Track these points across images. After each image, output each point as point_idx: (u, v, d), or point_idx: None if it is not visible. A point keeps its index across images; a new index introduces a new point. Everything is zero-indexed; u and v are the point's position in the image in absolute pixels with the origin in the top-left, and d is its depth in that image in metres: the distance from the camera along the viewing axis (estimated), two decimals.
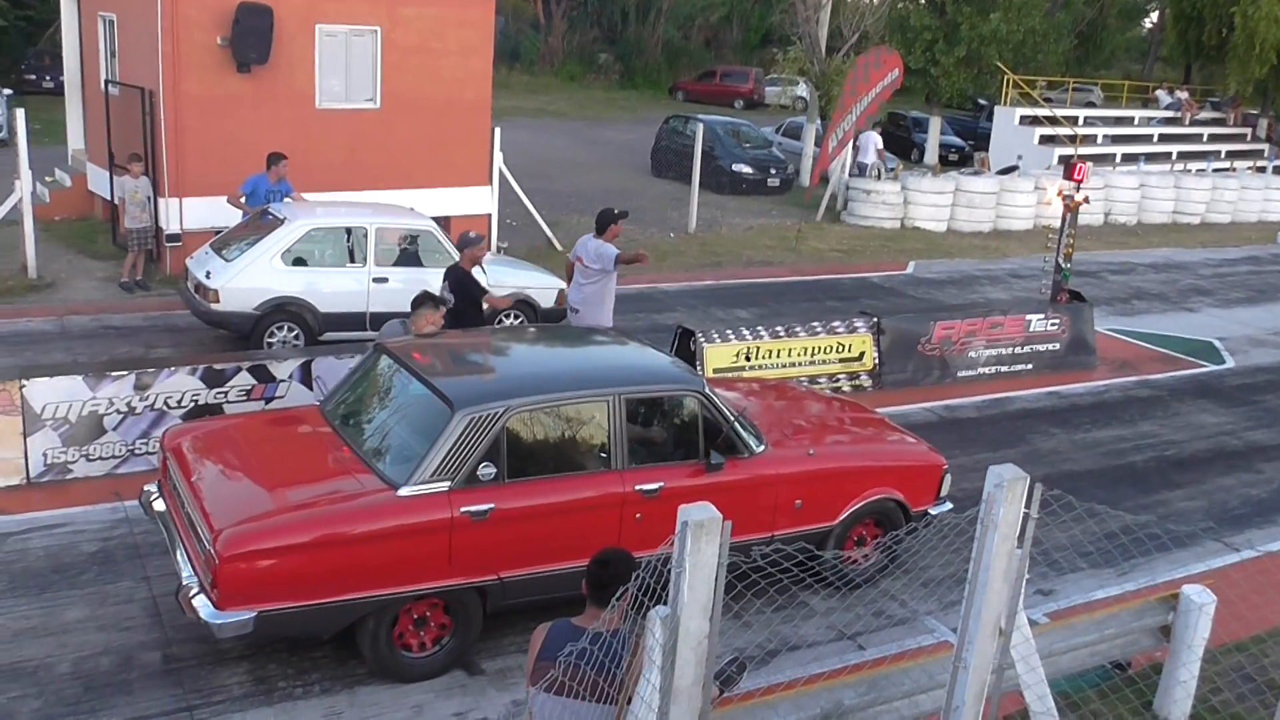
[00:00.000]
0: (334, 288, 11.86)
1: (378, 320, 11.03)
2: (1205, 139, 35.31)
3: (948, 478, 8.49)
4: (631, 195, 23.50)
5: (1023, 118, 31.20)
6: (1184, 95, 37.53)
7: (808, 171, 26.68)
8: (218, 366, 9.40)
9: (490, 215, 17.34)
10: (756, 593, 4.99)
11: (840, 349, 12.21)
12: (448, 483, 6.51)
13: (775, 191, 25.90)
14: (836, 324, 12.41)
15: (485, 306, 10.29)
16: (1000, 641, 5.23)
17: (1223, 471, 11.19)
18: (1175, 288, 19.83)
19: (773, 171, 26.28)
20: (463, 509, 6.52)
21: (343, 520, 6.38)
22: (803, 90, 33.77)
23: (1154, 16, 58.70)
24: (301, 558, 6.20)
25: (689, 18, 52.75)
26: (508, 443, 6.70)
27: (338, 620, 6.42)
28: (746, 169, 25.95)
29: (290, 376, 9.62)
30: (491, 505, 6.60)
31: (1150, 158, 31.34)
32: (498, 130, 17.17)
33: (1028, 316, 13.64)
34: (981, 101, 37.32)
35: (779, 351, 11.83)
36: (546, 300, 12.76)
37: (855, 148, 24.12)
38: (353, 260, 12.07)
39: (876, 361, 12.48)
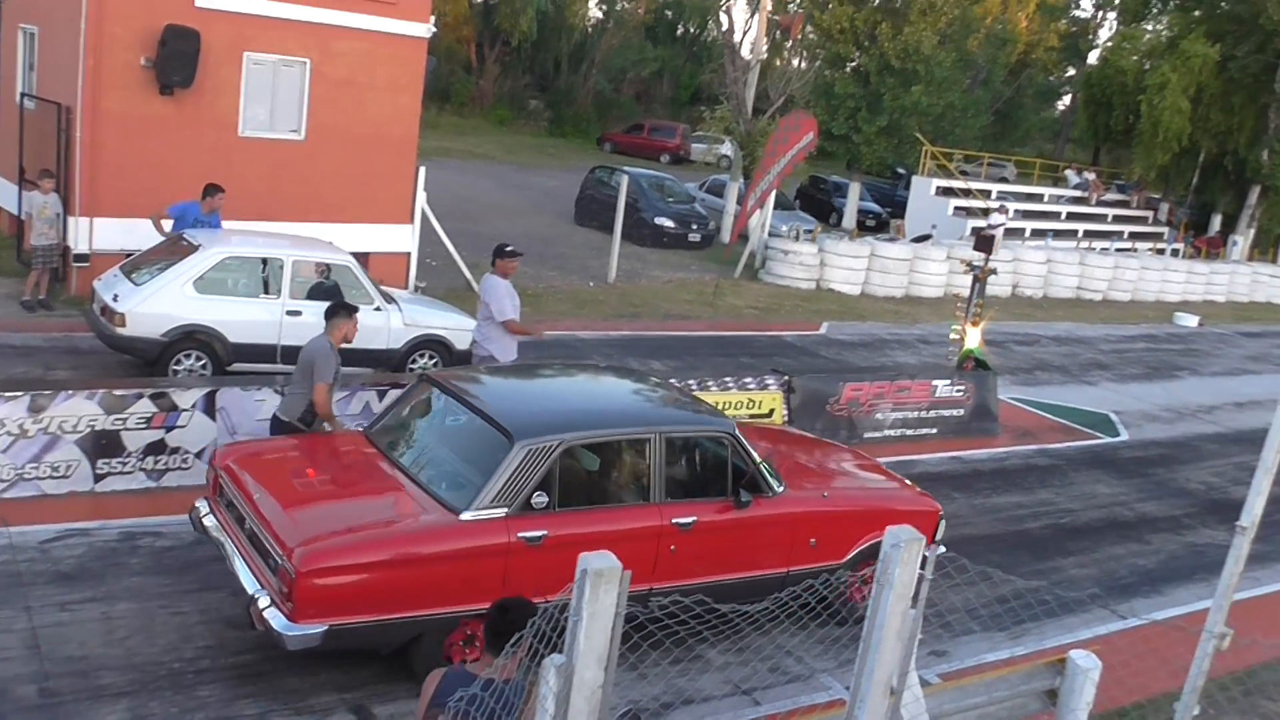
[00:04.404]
0: (246, 318, 11.66)
1: (289, 353, 10.96)
2: (1110, 219, 36.57)
3: (943, 523, 8.99)
4: (554, 242, 23.61)
5: (939, 188, 32.02)
6: (1091, 176, 38.85)
7: (729, 229, 27.04)
8: (118, 392, 9.18)
9: (410, 254, 17.27)
10: (653, 644, 5.01)
11: (751, 405, 12.35)
12: (505, 509, 6.87)
13: (696, 246, 26.20)
14: (748, 380, 12.55)
15: None
16: (892, 701, 5.30)
17: (1114, 541, 11.50)
18: (1076, 361, 20.42)
19: (694, 227, 26.59)
20: (519, 534, 6.88)
21: (410, 541, 6.71)
22: (728, 149, 34.27)
23: (1067, 99, 60.78)
24: (372, 575, 6.51)
25: (621, 71, 53.33)
26: (560, 473, 7.09)
27: (399, 636, 6.71)
28: (669, 223, 26.22)
29: (194, 406, 9.44)
30: (545, 532, 6.97)
31: (1058, 234, 32.36)
32: (423, 169, 17.15)
33: (934, 382, 13.93)
34: (900, 170, 38.22)
35: None
36: (461, 342, 12.62)
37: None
38: (267, 291, 11.88)
39: (786, 419, 12.63)
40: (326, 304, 11.71)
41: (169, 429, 9.35)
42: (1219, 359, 23.13)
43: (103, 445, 9.06)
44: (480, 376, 8.39)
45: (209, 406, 9.51)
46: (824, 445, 10.22)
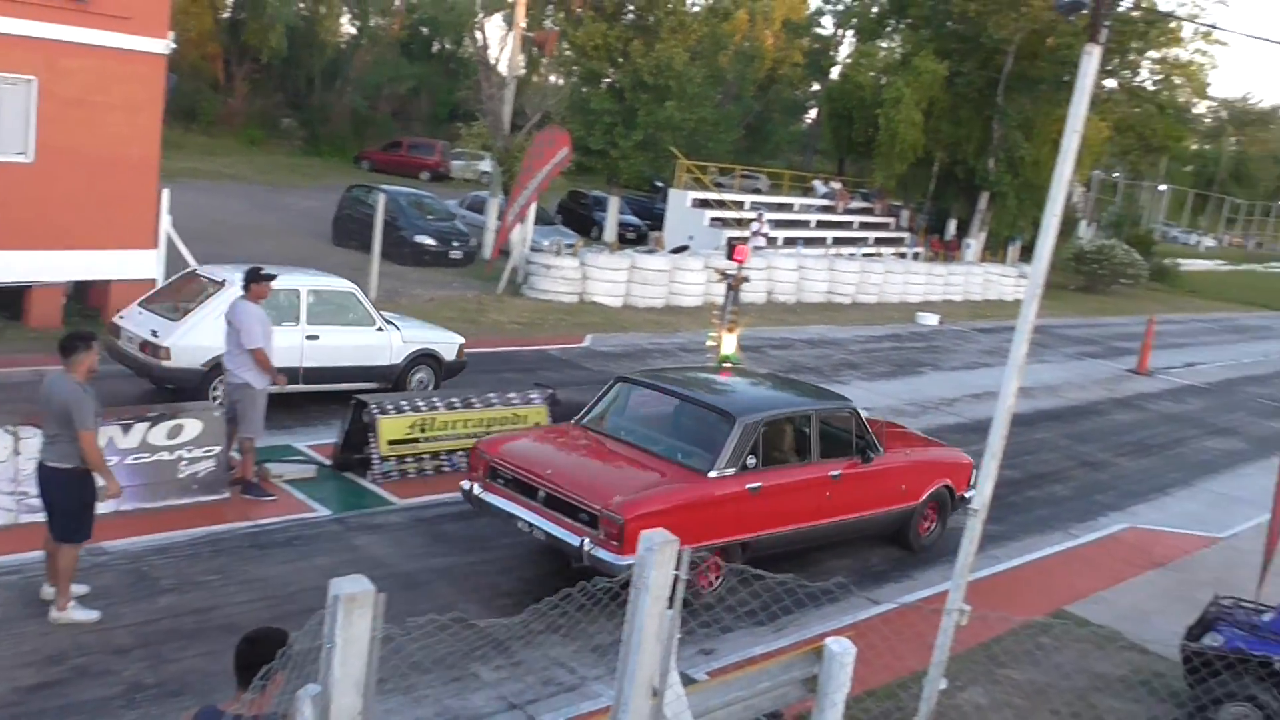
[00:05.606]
0: (272, 345, 11.65)
1: (310, 374, 12.92)
2: (856, 226, 38.53)
3: (975, 472, 11.08)
4: (311, 263, 22.80)
5: (695, 201, 32.94)
6: (837, 186, 40.81)
7: (491, 245, 27.02)
8: None
9: (155, 279, 16.47)
10: (412, 665, 4.98)
11: (515, 420, 12.38)
12: (734, 469, 9.40)
13: (458, 264, 26.04)
14: (512, 396, 12.59)
15: None
16: (654, 702, 5.44)
17: None
18: (829, 362, 21.40)
19: (455, 244, 26.44)
20: (746, 486, 9.42)
21: (688, 493, 9.17)
22: (488, 165, 34.26)
23: (813, 113, 63.71)
24: (665, 519, 8.09)
25: (376, 88, 52.44)
26: (763, 442, 9.61)
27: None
28: (429, 240, 25.99)
29: None
30: (761, 484, 9.54)
31: (808, 242, 33.84)
32: (167, 191, 16.42)
33: None
34: (658, 184, 39.16)
35: (454, 424, 11.87)
36: (449, 354, 14.53)
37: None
38: (288, 319, 12.68)
39: None
40: (337, 327, 13.29)
41: None
42: (957, 354, 24.75)
43: None
44: (674, 376, 11.11)
45: None
46: (880, 421, 12.49)
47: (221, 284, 12.61)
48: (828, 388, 13.16)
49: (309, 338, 12.96)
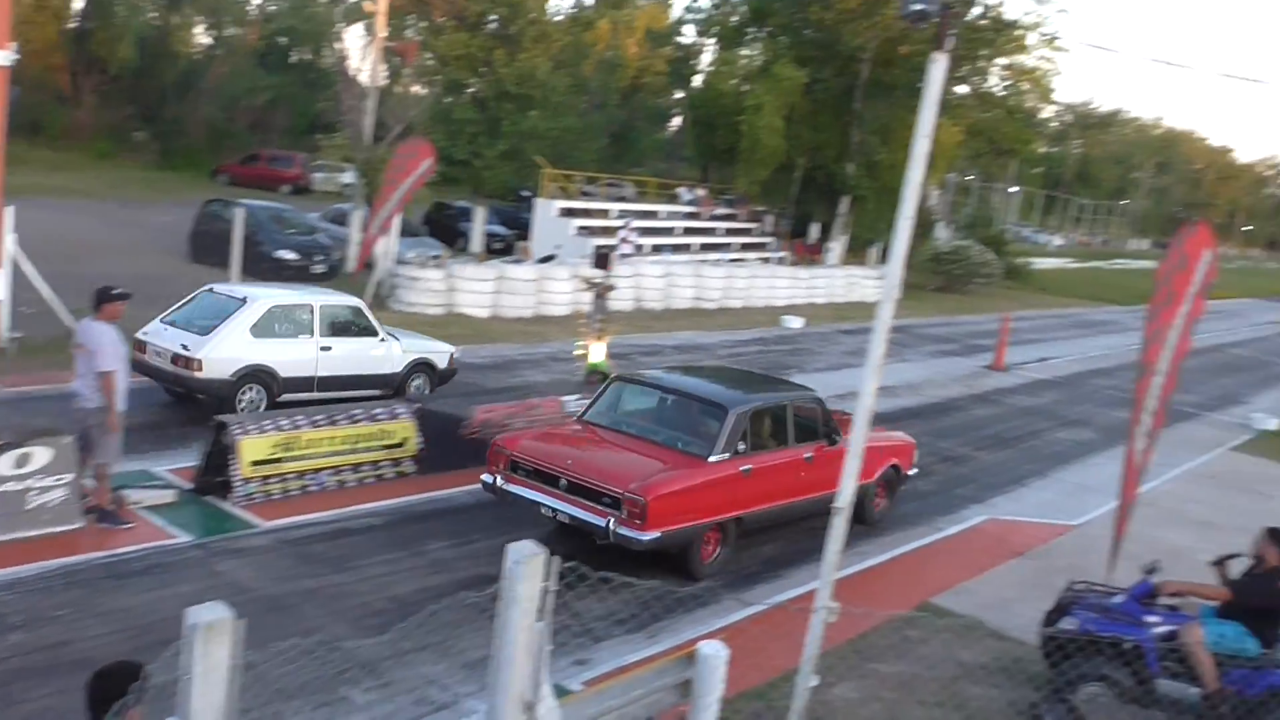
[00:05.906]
0: (291, 356, 13.84)
1: (324, 383, 14.15)
2: (722, 232, 39.04)
3: (916, 453, 13.66)
4: (168, 281, 22.22)
5: (561, 209, 32.95)
6: (701, 192, 41.29)
7: (354, 258, 26.56)
8: None
9: (0, 301, 15.79)
10: (277, 693, 4.88)
11: (383, 436, 12.21)
12: (729, 454, 10.60)
13: (321, 278, 25.40)
14: (378, 411, 12.40)
15: None
16: (527, 716, 5.43)
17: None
18: None
19: (318, 258, 25.91)
20: (740, 468, 10.64)
21: (693, 476, 10.35)
22: (350, 177, 33.71)
23: (677, 121, 64.30)
24: (677, 499, 10.01)
25: (233, 99, 51.09)
26: (750, 429, 10.86)
27: (688, 538, 10.28)
28: (290, 255, 25.41)
29: None
30: (751, 466, 10.78)
31: (675, 249, 34.14)
32: (11, 209, 15.74)
33: (562, 398, 14.29)
34: (524, 193, 39.06)
35: (319, 441, 11.63)
36: (442, 362, 15.85)
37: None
38: (304, 332, 14.10)
39: (420, 447, 12.57)
40: (346, 338, 14.49)
41: None
42: (822, 356, 25.24)
43: None
44: (666, 374, 12.21)
45: None
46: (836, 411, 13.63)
47: (243, 300, 13.74)
48: (795, 380, 14.85)
49: (323, 349, 14.18)
